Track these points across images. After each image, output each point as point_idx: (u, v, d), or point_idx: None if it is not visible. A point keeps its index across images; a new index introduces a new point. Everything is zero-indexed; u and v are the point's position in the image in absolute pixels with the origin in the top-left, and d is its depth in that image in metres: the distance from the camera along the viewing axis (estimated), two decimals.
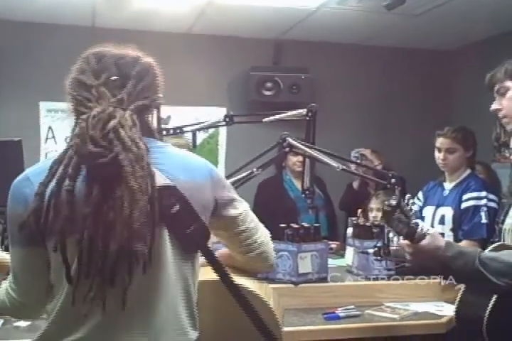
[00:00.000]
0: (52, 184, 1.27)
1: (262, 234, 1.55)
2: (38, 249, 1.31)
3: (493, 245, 1.89)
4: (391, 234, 1.64)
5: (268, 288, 1.71)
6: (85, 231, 1.23)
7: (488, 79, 1.76)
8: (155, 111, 1.45)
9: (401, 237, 1.63)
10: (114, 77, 1.35)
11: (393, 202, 1.56)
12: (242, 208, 1.51)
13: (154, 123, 1.45)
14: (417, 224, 1.60)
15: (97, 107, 1.30)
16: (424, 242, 1.60)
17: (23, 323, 1.96)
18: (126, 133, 1.27)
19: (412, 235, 1.60)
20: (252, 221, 1.53)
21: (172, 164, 1.37)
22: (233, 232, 1.51)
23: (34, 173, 1.34)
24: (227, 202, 1.47)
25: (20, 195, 1.32)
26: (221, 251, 1.68)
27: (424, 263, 1.69)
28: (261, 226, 1.57)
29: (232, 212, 1.48)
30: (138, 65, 1.39)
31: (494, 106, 1.75)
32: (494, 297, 1.69)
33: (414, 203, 1.59)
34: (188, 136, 3.01)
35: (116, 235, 1.22)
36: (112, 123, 1.26)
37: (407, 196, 1.62)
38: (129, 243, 1.23)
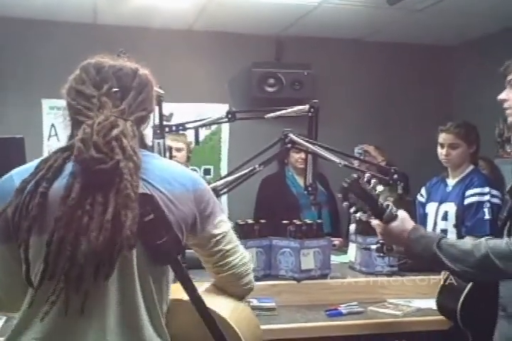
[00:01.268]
0: (32, 182, 1.29)
1: (239, 257, 1.52)
2: (13, 248, 1.32)
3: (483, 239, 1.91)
4: (352, 210, 1.65)
5: (246, 312, 1.64)
6: (55, 233, 1.24)
7: (504, 68, 1.75)
8: (148, 121, 1.48)
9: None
10: (115, 89, 1.38)
11: (353, 177, 1.60)
12: (221, 229, 1.49)
13: (148, 136, 1.49)
14: (387, 206, 1.64)
15: (100, 116, 1.32)
16: (392, 224, 1.64)
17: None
18: (129, 142, 1.31)
19: (380, 215, 1.63)
20: (230, 243, 1.51)
21: (154, 175, 1.37)
22: (208, 252, 1.50)
23: (18, 172, 1.37)
24: (206, 220, 1.46)
25: (1, 192, 1.35)
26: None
27: (393, 244, 1.72)
28: (240, 248, 1.54)
29: (209, 231, 1.47)
30: (137, 78, 1.42)
31: (502, 95, 1.75)
32: (468, 287, 1.79)
33: (377, 184, 1.62)
34: (191, 132, 3.01)
35: (90, 240, 1.22)
36: (116, 131, 1.30)
37: (368, 177, 1.63)
38: (105, 249, 1.23)
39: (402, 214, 1.67)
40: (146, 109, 1.43)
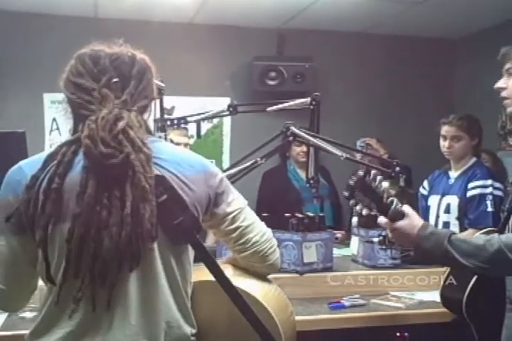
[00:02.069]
0: (45, 179, 1.28)
1: (259, 233, 1.50)
2: (25, 239, 1.32)
3: (483, 230, 1.91)
4: (358, 207, 1.65)
5: (272, 288, 1.64)
6: (75, 230, 1.24)
7: (501, 55, 1.73)
8: (152, 106, 1.47)
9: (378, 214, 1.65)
10: (115, 80, 1.36)
11: (360, 174, 1.59)
12: (235, 206, 1.47)
13: (150, 122, 1.47)
14: (391, 202, 1.62)
15: (103, 109, 1.30)
16: (401, 222, 1.62)
17: (28, 314, 1.97)
18: (136, 134, 1.29)
19: (385, 212, 1.62)
20: (246, 219, 1.49)
21: (163, 158, 1.37)
22: (225, 231, 1.48)
23: (27, 163, 1.36)
24: (219, 199, 1.45)
25: (11, 182, 1.34)
26: (230, 254, 1.68)
27: (402, 242, 1.70)
28: (259, 224, 1.52)
29: (223, 209, 1.45)
30: (136, 65, 1.40)
31: (499, 84, 1.72)
32: (473, 280, 1.78)
33: (382, 180, 1.61)
34: (193, 126, 3.01)
35: (112, 235, 1.22)
36: (121, 124, 1.28)
37: (374, 174, 1.62)
38: (128, 243, 1.23)
39: (409, 211, 1.64)
40: (147, 97, 1.41)
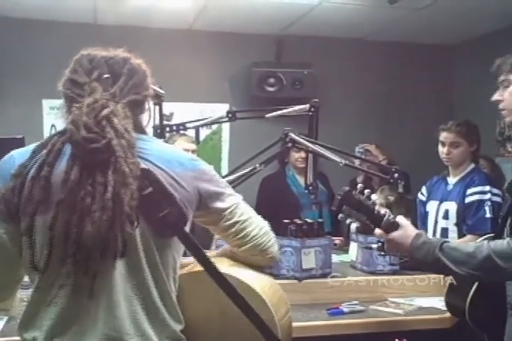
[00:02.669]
0: (33, 167, 1.29)
1: (257, 227, 1.52)
2: (12, 228, 1.32)
3: (484, 237, 1.91)
4: (348, 221, 1.67)
5: (269, 281, 1.63)
6: (58, 216, 1.24)
7: (495, 68, 1.75)
8: (147, 109, 1.47)
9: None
10: (106, 75, 1.38)
11: (346, 189, 1.62)
12: (231, 201, 1.49)
13: (145, 121, 1.47)
14: (384, 214, 1.65)
15: (89, 99, 1.33)
16: (395, 233, 1.65)
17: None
18: (119, 121, 1.31)
19: (378, 223, 1.64)
20: (244, 214, 1.50)
21: (154, 155, 1.38)
22: (224, 226, 1.49)
23: (19, 153, 1.38)
24: (213, 196, 1.45)
25: (2, 171, 1.35)
26: (225, 246, 1.68)
27: (397, 252, 1.75)
28: (256, 219, 1.54)
29: (218, 205, 1.46)
30: (128, 64, 1.43)
31: (496, 96, 1.76)
32: (475, 285, 1.79)
33: (370, 193, 1.63)
34: (192, 132, 3.02)
35: (94, 221, 1.23)
36: (105, 111, 1.30)
37: (360, 187, 1.64)
38: (110, 228, 1.23)
39: (403, 222, 1.67)
40: (139, 93, 1.42)
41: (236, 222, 1.49)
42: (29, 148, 1.37)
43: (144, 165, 1.33)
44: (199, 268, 1.45)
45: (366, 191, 1.63)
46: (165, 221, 1.34)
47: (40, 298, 1.32)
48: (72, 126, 1.28)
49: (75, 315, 1.31)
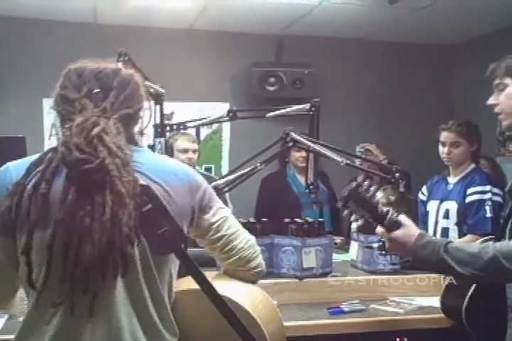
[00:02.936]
0: (29, 184, 1.28)
1: (244, 240, 1.52)
2: (6, 243, 1.32)
3: (484, 238, 1.91)
4: (352, 218, 1.67)
5: (259, 295, 1.61)
6: (57, 236, 1.23)
7: (489, 72, 1.75)
8: (146, 111, 1.47)
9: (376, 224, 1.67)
10: (96, 90, 1.37)
11: (352, 186, 1.61)
12: (219, 215, 1.49)
13: (145, 124, 1.46)
14: (387, 212, 1.64)
15: (80, 117, 1.31)
16: (397, 232, 1.64)
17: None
18: (111, 139, 1.29)
19: (381, 221, 1.64)
20: (231, 227, 1.50)
21: (148, 168, 1.37)
22: (210, 240, 1.50)
23: (15, 165, 1.37)
24: (203, 209, 1.46)
25: None
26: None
27: (400, 251, 1.74)
28: (243, 232, 1.54)
29: (208, 219, 1.47)
30: (118, 76, 1.41)
31: (491, 100, 1.75)
32: (473, 287, 1.78)
33: (376, 190, 1.63)
34: (192, 131, 3.02)
35: (94, 242, 1.22)
36: (96, 130, 1.29)
37: (367, 184, 1.63)
38: (110, 249, 1.23)
39: (406, 221, 1.66)
40: (131, 107, 1.40)
41: (223, 236, 1.49)
42: (25, 161, 1.35)
43: (142, 181, 1.33)
44: (189, 283, 1.44)
45: (372, 188, 1.62)
46: (163, 238, 1.34)
47: (38, 316, 1.31)
48: (63, 147, 1.27)
49: (74, 333, 1.30)
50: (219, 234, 1.49)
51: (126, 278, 1.30)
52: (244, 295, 1.53)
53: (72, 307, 1.25)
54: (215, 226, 1.48)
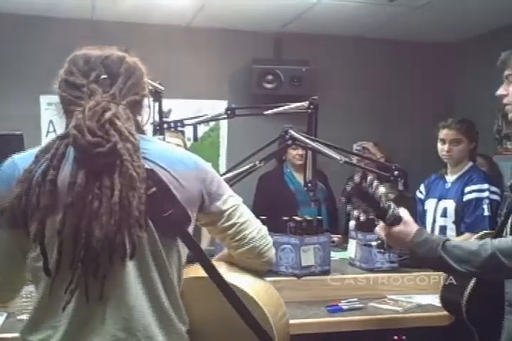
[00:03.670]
0: (38, 172, 1.29)
1: (255, 230, 1.51)
2: (19, 233, 1.32)
3: (479, 234, 1.91)
4: (355, 212, 1.67)
5: (265, 285, 1.64)
6: (66, 221, 1.24)
7: (501, 61, 1.73)
8: (145, 107, 1.47)
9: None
10: (103, 76, 1.37)
11: (357, 180, 1.61)
12: (230, 203, 1.48)
13: (144, 121, 1.47)
14: (389, 207, 1.64)
15: (90, 102, 1.32)
16: (396, 228, 1.64)
17: (26, 316, 1.96)
18: (123, 124, 1.30)
19: (383, 216, 1.64)
20: (242, 216, 1.50)
21: (156, 155, 1.38)
22: (221, 228, 1.49)
23: (20, 157, 1.37)
24: (213, 196, 1.45)
25: (4, 176, 1.35)
26: (224, 251, 1.67)
27: (398, 247, 1.74)
28: (255, 221, 1.53)
29: (218, 206, 1.46)
30: (124, 63, 1.41)
31: (500, 91, 1.73)
32: (472, 281, 1.78)
33: (379, 185, 1.63)
34: (189, 129, 3.00)
35: (102, 224, 1.23)
36: (108, 114, 1.29)
37: (370, 179, 1.63)
38: (117, 232, 1.24)
39: (405, 217, 1.66)
40: (137, 93, 1.41)
41: (234, 224, 1.48)
42: (31, 152, 1.36)
43: (147, 165, 1.33)
44: (196, 270, 1.45)
45: (375, 183, 1.62)
46: (169, 221, 1.34)
47: (51, 303, 1.31)
48: (75, 130, 1.27)
49: (86, 317, 1.30)
50: (230, 222, 1.48)
51: (136, 262, 1.31)
52: (251, 284, 1.54)
53: (87, 293, 1.26)
54: (226, 213, 1.47)
